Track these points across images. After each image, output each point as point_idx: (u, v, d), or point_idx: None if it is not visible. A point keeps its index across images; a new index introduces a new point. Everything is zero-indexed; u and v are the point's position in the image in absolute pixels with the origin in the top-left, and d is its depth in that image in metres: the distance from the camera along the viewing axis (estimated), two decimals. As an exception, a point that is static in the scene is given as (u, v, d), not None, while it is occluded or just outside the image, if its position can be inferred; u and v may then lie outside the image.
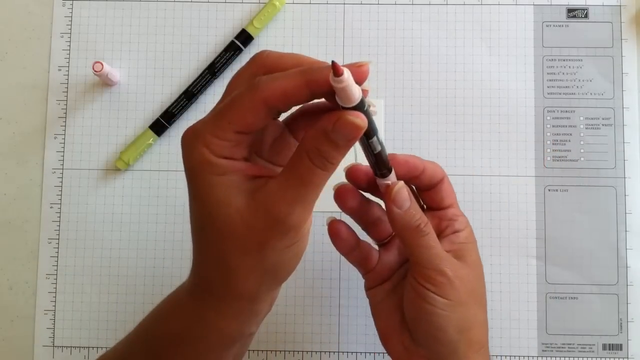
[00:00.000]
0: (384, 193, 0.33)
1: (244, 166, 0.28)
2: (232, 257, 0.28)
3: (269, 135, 0.31)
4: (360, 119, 0.26)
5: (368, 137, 0.29)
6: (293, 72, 0.27)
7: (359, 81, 0.26)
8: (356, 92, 0.26)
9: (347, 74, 0.25)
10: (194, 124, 0.28)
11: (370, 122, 0.28)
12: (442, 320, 0.32)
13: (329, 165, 0.27)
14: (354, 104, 0.26)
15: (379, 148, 0.30)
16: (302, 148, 0.27)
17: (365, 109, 0.27)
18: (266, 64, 0.28)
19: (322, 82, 0.26)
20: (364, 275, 0.38)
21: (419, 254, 0.33)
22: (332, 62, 0.25)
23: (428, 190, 0.36)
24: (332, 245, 0.47)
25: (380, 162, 0.32)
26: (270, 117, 0.27)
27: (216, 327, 0.30)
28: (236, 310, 0.30)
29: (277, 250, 0.28)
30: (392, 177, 0.33)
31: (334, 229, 0.35)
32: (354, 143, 0.27)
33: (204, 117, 0.28)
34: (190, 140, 0.27)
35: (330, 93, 0.26)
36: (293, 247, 0.28)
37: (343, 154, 0.27)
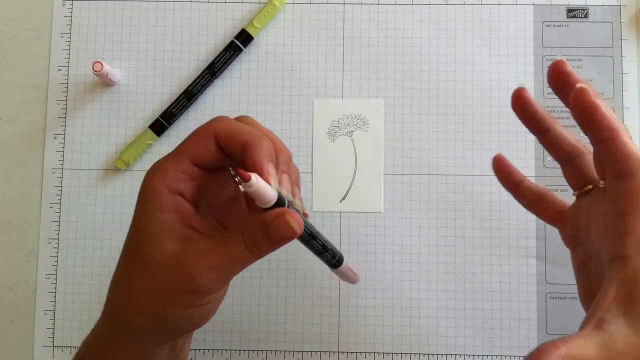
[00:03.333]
0: None
1: (187, 211, 0.29)
2: (134, 294, 0.29)
3: (224, 195, 0.32)
4: (297, 223, 0.27)
5: (304, 239, 0.31)
6: (246, 124, 0.30)
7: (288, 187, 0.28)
8: (268, 196, 0.27)
9: (254, 179, 0.26)
10: (161, 158, 0.30)
11: (306, 227, 0.29)
12: None
13: (257, 252, 0.28)
14: (270, 205, 0.27)
15: (318, 248, 0.32)
16: (239, 227, 0.28)
17: (286, 204, 0.28)
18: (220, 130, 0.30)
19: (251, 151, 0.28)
20: (556, 225, 0.35)
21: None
22: (235, 169, 0.26)
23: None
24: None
25: (327, 259, 0.34)
26: (221, 154, 0.29)
27: (107, 355, 0.30)
28: (124, 344, 0.30)
29: (180, 306, 0.28)
30: (344, 266, 0.35)
31: (498, 161, 0.36)
32: (287, 242, 0.28)
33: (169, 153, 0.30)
34: (149, 172, 0.29)
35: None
36: (197, 309, 0.29)
37: (274, 248, 0.28)
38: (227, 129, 0.29)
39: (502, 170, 0.36)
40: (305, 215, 0.31)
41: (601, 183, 0.30)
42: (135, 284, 0.29)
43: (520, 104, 0.32)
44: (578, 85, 0.27)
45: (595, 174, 0.31)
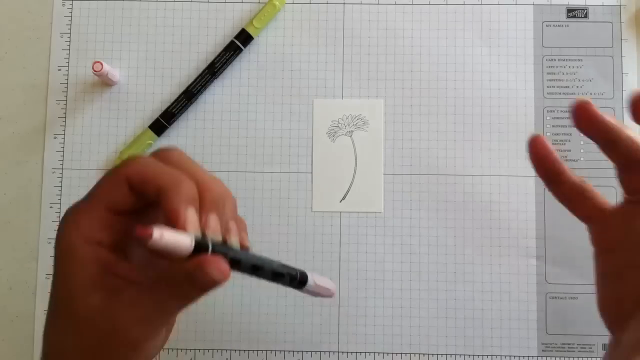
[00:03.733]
0: None
1: (107, 259, 0.28)
2: (70, 353, 0.27)
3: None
4: (220, 272, 0.25)
5: (249, 272, 0.29)
6: (164, 168, 0.27)
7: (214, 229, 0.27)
8: (180, 246, 0.24)
9: (158, 235, 0.23)
10: (71, 206, 0.28)
11: (241, 259, 0.28)
12: None
13: (186, 300, 0.27)
14: (188, 254, 0.25)
15: (269, 276, 0.31)
16: (164, 276, 0.26)
17: (210, 248, 0.26)
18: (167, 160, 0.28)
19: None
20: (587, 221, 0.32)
21: None
22: (136, 228, 0.24)
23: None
24: (332, 245, 0.47)
25: (286, 282, 0.32)
26: (134, 197, 0.27)
27: None
28: None
29: (115, 357, 0.27)
30: (310, 284, 0.33)
31: (536, 144, 0.32)
32: (215, 288, 0.26)
33: (80, 199, 0.29)
34: (63, 223, 0.28)
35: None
36: (137, 357, 0.28)
37: (203, 294, 0.26)
38: (140, 173, 0.27)
39: (541, 157, 0.31)
40: (244, 248, 0.29)
41: None
42: (65, 342, 0.27)
43: (592, 120, 0.29)
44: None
45: None
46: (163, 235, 0.24)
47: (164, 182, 0.26)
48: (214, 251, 0.26)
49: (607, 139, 0.29)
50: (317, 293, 0.35)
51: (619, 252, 0.30)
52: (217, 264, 0.25)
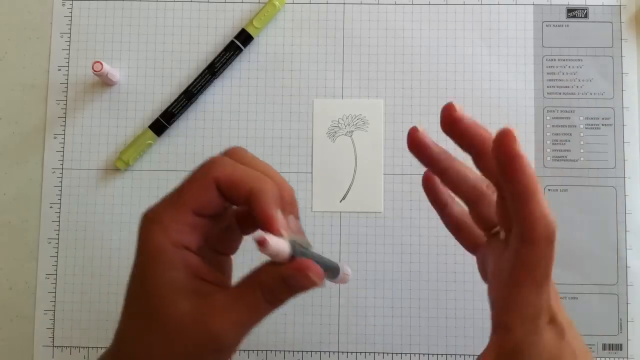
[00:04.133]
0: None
1: (196, 264, 0.27)
2: (157, 354, 0.27)
3: (215, 234, 0.30)
4: (318, 277, 0.26)
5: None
6: (249, 166, 0.28)
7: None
8: (283, 252, 0.26)
9: (270, 241, 0.25)
10: (154, 206, 0.28)
11: (316, 261, 0.28)
12: None
13: (277, 303, 0.27)
14: (286, 259, 0.26)
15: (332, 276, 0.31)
16: (256, 280, 0.27)
17: (298, 255, 0.27)
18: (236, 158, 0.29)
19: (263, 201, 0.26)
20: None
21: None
22: (256, 238, 0.25)
23: None
24: (332, 245, 0.47)
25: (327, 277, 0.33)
26: (223, 199, 0.27)
27: None
28: None
29: None
30: (340, 274, 0.34)
31: (426, 179, 0.34)
32: (307, 291, 0.27)
33: (163, 199, 0.28)
34: (149, 224, 0.27)
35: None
36: None
37: (294, 296, 0.27)
38: (230, 177, 0.27)
39: (430, 190, 0.34)
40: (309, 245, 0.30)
41: (502, 234, 0.29)
42: (152, 349, 0.27)
43: (415, 144, 0.31)
44: (505, 128, 0.25)
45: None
46: (272, 244, 0.25)
47: (254, 185, 0.27)
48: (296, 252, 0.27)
49: (436, 169, 0.31)
50: (339, 281, 0.36)
51: (494, 284, 0.29)
52: (316, 269, 0.26)
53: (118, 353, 0.29)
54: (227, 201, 0.28)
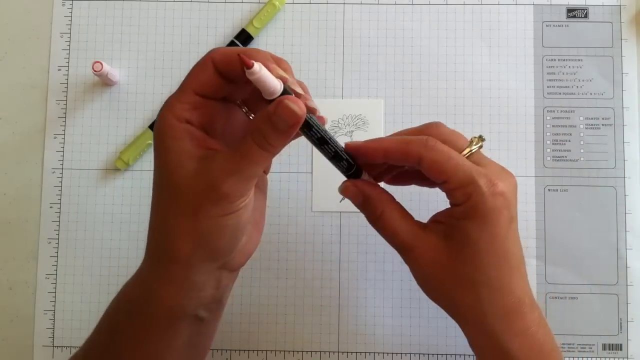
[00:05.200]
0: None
1: (201, 135, 0.31)
2: (171, 218, 0.30)
3: (234, 127, 0.33)
4: (298, 107, 0.28)
5: (315, 142, 0.32)
6: (241, 48, 0.31)
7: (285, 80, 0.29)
8: (273, 85, 0.28)
9: (257, 67, 0.27)
10: (171, 95, 0.31)
11: (313, 125, 0.31)
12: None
13: (267, 146, 0.29)
14: (275, 97, 0.28)
15: (331, 153, 0.33)
16: (249, 128, 0.30)
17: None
18: None
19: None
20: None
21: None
22: (239, 55, 0.28)
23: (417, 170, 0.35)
24: (332, 245, 0.47)
25: (342, 168, 0.35)
26: (222, 80, 0.30)
27: (156, 294, 0.31)
28: (172, 275, 0.31)
29: (211, 218, 0.30)
30: (365, 176, 0.35)
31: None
32: (294, 130, 0.29)
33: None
34: (161, 110, 0.31)
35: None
36: (227, 217, 0.30)
37: (283, 139, 0.29)
38: (224, 53, 0.30)
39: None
40: (321, 120, 0.32)
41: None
42: (169, 209, 0.30)
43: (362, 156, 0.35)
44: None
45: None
46: (261, 70, 0.27)
47: (248, 53, 0.29)
48: None
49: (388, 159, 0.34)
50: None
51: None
52: (296, 101, 0.28)
53: (148, 238, 0.32)
54: (226, 79, 0.30)
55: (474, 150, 0.34)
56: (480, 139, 0.35)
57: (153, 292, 0.31)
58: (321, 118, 0.32)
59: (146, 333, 0.32)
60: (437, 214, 0.35)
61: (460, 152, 0.34)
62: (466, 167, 0.33)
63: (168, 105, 0.30)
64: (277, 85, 0.28)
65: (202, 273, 0.31)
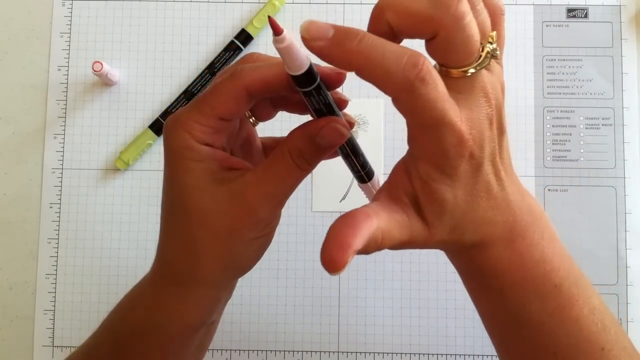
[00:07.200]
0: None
1: (222, 155, 0.28)
2: (201, 243, 0.28)
3: (241, 136, 0.32)
4: (346, 129, 0.27)
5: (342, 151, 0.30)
6: (274, 62, 0.28)
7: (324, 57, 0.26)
8: (300, 57, 0.25)
9: (287, 34, 0.25)
10: (176, 112, 0.28)
11: (351, 139, 0.28)
12: None
13: (307, 166, 0.28)
14: (301, 71, 0.26)
15: (359, 151, 0.31)
16: (285, 147, 0.27)
17: (316, 79, 0.26)
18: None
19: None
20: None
21: None
22: (269, 17, 0.25)
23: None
24: (332, 245, 0.47)
25: (355, 169, 0.32)
26: (250, 104, 0.28)
27: (177, 314, 0.30)
28: (198, 297, 0.30)
29: (245, 241, 0.28)
30: (374, 181, 0.33)
31: None
32: (336, 148, 0.28)
33: (186, 105, 0.29)
34: (172, 126, 0.28)
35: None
36: (260, 239, 0.29)
37: (322, 158, 0.28)
38: (261, 79, 0.27)
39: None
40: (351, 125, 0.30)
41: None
42: (196, 233, 0.28)
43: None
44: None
45: None
46: (290, 39, 0.25)
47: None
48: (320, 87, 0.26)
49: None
50: (369, 193, 0.34)
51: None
52: (341, 120, 0.27)
53: (160, 260, 0.30)
54: (258, 99, 0.28)
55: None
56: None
57: (174, 313, 0.30)
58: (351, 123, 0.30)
59: (160, 350, 0.31)
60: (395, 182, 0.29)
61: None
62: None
63: (183, 125, 0.28)
64: (304, 59, 0.26)
65: (227, 290, 0.31)
